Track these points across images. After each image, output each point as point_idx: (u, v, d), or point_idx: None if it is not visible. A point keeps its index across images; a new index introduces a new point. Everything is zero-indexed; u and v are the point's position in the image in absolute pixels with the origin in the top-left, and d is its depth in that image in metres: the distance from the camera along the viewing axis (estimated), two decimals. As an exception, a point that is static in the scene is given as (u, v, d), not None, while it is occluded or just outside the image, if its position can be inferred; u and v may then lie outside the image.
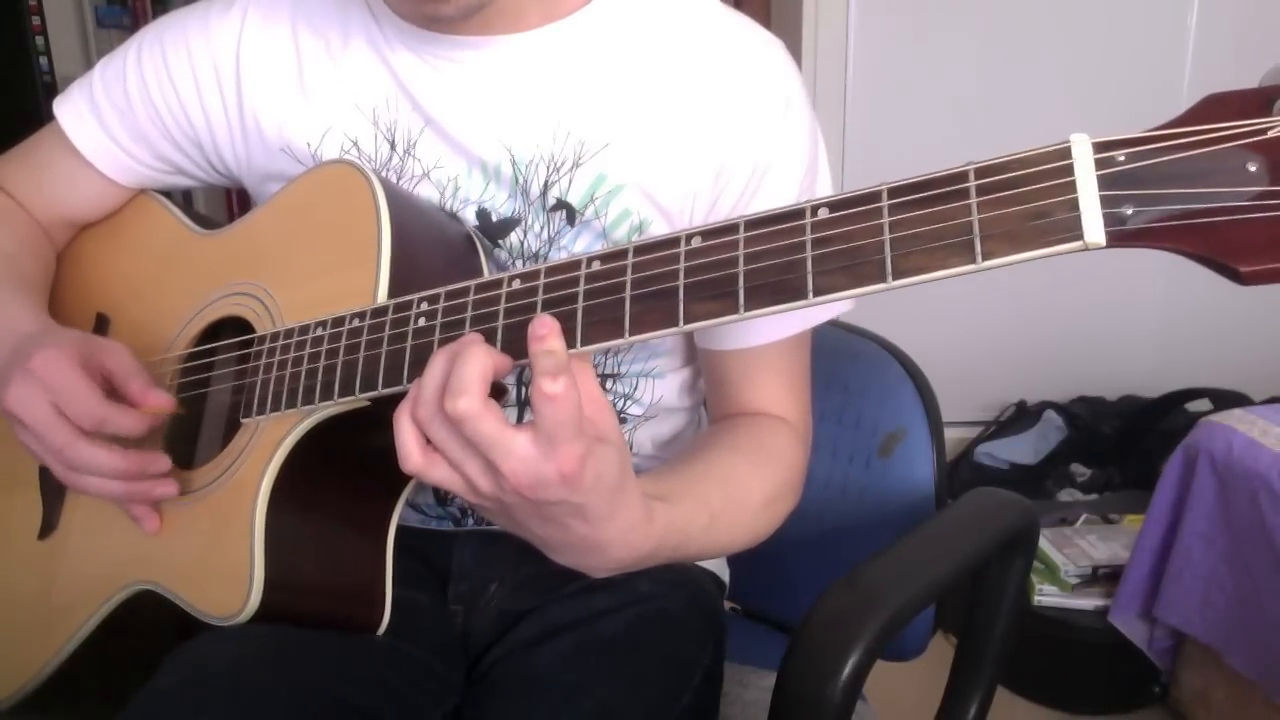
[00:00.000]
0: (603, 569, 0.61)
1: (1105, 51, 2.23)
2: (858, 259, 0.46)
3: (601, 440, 0.53)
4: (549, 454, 0.51)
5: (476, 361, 0.51)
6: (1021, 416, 2.32)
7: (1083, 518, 1.95)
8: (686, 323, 0.50)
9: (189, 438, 0.79)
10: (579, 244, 0.76)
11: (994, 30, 2.25)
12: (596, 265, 0.53)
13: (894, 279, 0.45)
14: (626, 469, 0.56)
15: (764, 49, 0.76)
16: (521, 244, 0.76)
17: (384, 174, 0.77)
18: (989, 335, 2.37)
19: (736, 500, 0.71)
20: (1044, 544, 1.83)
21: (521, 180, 0.75)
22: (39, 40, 2.63)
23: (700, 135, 0.74)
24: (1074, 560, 1.80)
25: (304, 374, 0.65)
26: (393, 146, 0.77)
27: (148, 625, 0.72)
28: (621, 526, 0.57)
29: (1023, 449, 2.26)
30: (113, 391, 0.70)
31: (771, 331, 0.77)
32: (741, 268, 0.49)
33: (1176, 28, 2.23)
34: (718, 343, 0.79)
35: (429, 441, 0.54)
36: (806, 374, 0.81)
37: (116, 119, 0.83)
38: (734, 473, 0.73)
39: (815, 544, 0.99)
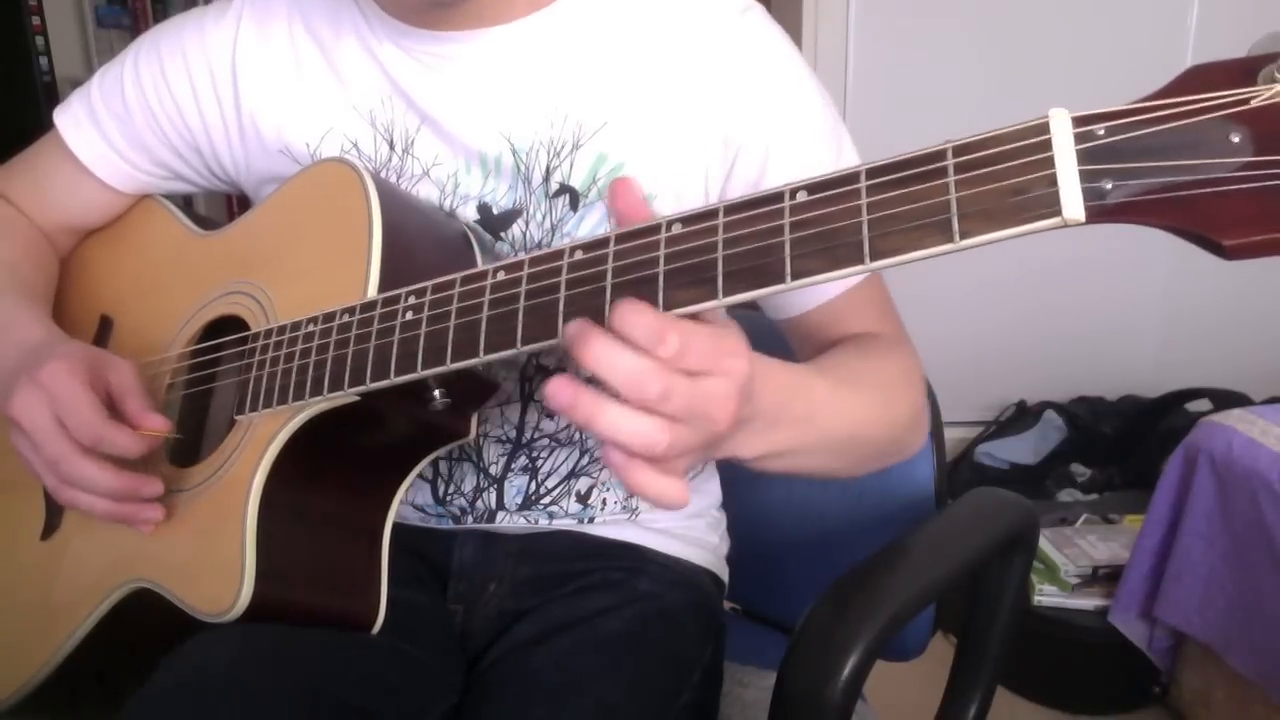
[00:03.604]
0: (768, 437, 0.57)
1: (1105, 51, 2.23)
2: (835, 241, 0.45)
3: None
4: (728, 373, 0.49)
5: (643, 311, 0.47)
6: (1021, 416, 2.32)
7: (1083, 518, 1.95)
8: (666, 309, 0.49)
9: (191, 436, 0.79)
10: (583, 228, 0.76)
11: (994, 30, 2.25)
12: (579, 254, 0.53)
13: (871, 260, 0.45)
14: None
15: (742, 15, 0.75)
16: (524, 235, 0.76)
17: (385, 174, 0.77)
18: (989, 335, 2.37)
19: (866, 361, 0.71)
20: (1044, 544, 1.83)
21: (523, 168, 0.75)
22: (39, 40, 2.64)
23: (696, 106, 0.74)
24: (1074, 560, 1.80)
25: (295, 370, 0.65)
26: (391, 146, 0.77)
27: (146, 625, 0.72)
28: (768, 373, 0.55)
29: (1023, 449, 2.26)
30: (114, 407, 0.70)
31: (839, 284, 0.75)
32: (720, 253, 0.48)
33: (1176, 27, 2.23)
34: (789, 311, 0.78)
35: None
36: (888, 300, 0.79)
37: (115, 127, 0.84)
38: (847, 351, 0.73)
39: (815, 544, 0.99)
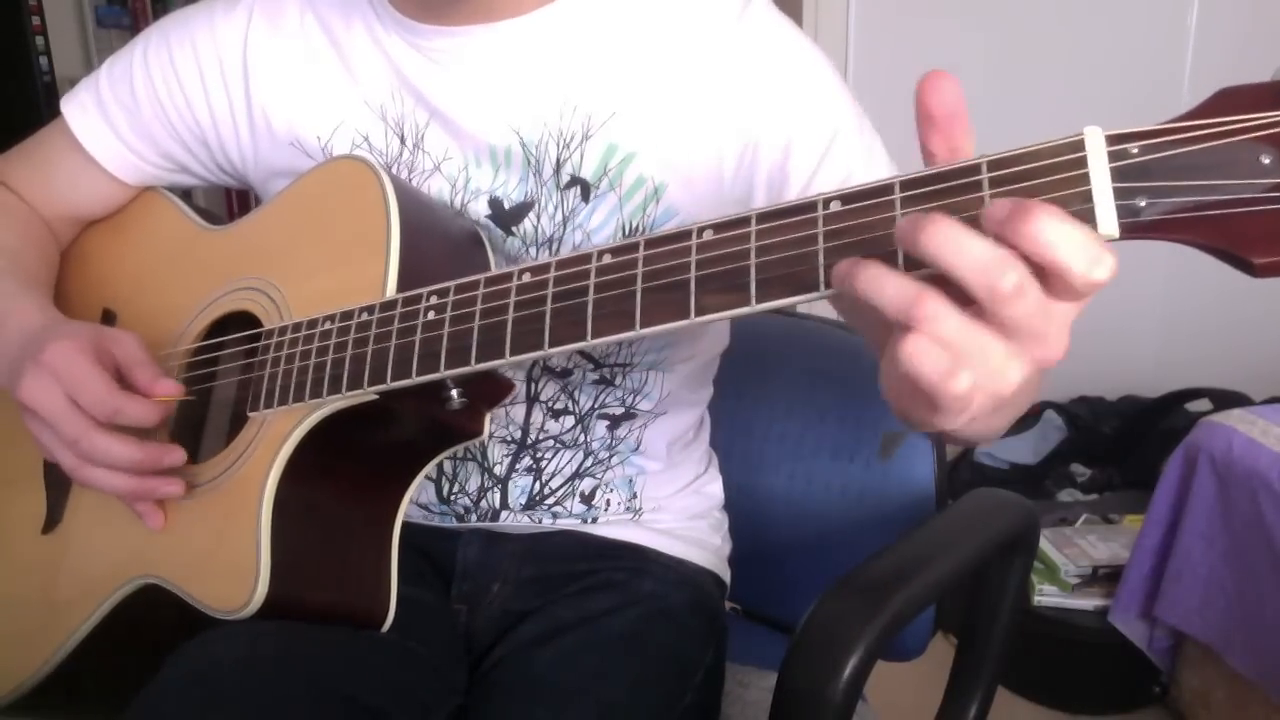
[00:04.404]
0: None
1: (1105, 51, 2.23)
2: (871, 251, 0.46)
3: None
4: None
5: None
6: (1021, 416, 2.31)
7: (1083, 518, 1.95)
8: (698, 315, 0.50)
9: (194, 432, 0.79)
10: (594, 219, 0.76)
11: (994, 30, 2.25)
12: (607, 258, 0.53)
13: (907, 269, 0.44)
14: None
15: (747, 6, 0.75)
16: (535, 229, 0.76)
17: (396, 169, 0.77)
18: (988, 335, 2.37)
19: None
20: (1044, 544, 1.83)
21: (533, 161, 0.75)
22: (39, 40, 2.63)
23: (707, 95, 0.73)
24: (1074, 560, 1.80)
25: (312, 367, 0.65)
26: (402, 141, 0.77)
27: (151, 621, 0.72)
28: None
29: (1023, 449, 2.26)
30: (123, 381, 0.70)
31: None
32: (753, 260, 0.48)
33: (1176, 27, 2.23)
34: None
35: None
36: None
37: (123, 117, 0.83)
38: None
39: (815, 544, 0.99)
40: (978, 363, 0.42)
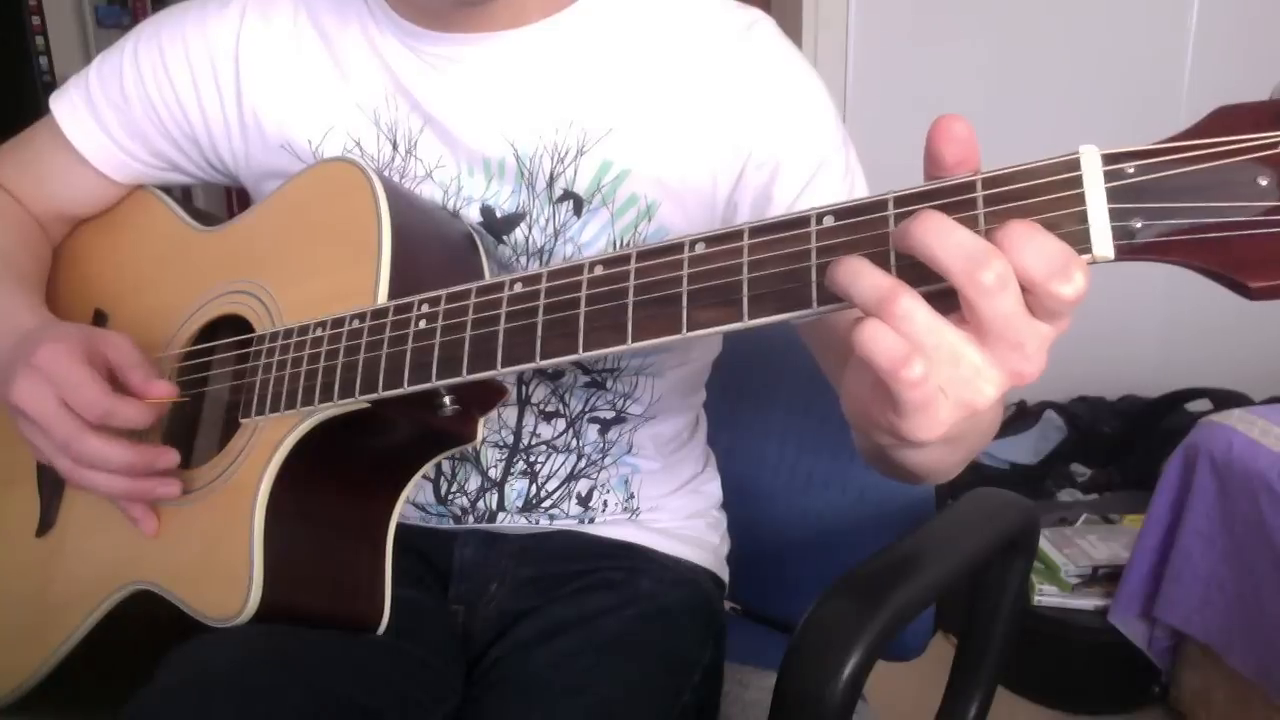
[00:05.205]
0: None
1: (1105, 52, 2.23)
2: None
3: None
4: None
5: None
6: (1021, 416, 2.31)
7: (1083, 518, 1.95)
8: (690, 330, 0.49)
9: (186, 437, 0.79)
10: (586, 233, 0.76)
11: (994, 30, 2.25)
12: (599, 270, 0.53)
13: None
14: None
15: (750, 28, 0.75)
16: (526, 239, 0.76)
17: (387, 174, 0.77)
18: (988, 335, 2.37)
19: None
20: (1044, 544, 1.83)
21: (527, 173, 0.75)
22: (39, 40, 2.64)
23: (705, 115, 0.73)
24: (1074, 560, 1.80)
25: (304, 375, 0.65)
26: (395, 147, 0.77)
27: (146, 625, 0.72)
28: None
29: (1023, 449, 2.26)
30: (116, 383, 0.69)
31: None
32: (746, 275, 0.48)
33: (1176, 28, 2.23)
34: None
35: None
36: None
37: (112, 115, 0.83)
38: None
39: (815, 544, 0.99)
40: (945, 362, 0.42)
